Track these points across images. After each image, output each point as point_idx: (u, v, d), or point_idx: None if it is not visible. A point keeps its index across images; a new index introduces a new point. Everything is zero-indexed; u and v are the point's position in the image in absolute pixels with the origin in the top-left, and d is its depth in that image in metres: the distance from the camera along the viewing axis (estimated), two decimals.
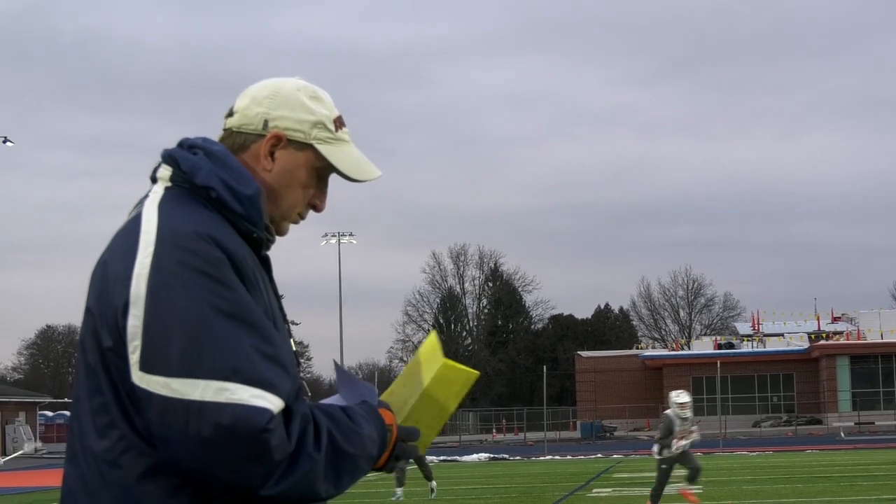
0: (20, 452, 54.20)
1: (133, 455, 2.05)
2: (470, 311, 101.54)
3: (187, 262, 2.04)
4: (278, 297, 2.27)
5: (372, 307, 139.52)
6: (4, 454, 59.48)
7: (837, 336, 74.61)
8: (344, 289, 75.95)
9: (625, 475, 28.44)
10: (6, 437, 66.28)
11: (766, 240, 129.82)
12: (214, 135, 2.32)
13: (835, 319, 79.92)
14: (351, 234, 73.80)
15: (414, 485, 24.23)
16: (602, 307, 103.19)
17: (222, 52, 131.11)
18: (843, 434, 57.42)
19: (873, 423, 63.84)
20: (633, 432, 71.75)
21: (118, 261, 2.10)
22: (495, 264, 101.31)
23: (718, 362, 59.38)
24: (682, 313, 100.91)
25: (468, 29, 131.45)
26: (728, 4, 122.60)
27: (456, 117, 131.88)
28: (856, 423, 63.01)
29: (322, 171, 2.32)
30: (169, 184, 2.21)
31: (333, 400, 2.31)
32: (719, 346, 76.56)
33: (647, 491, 20.87)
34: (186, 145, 2.26)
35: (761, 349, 75.73)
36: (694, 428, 17.27)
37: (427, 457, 36.28)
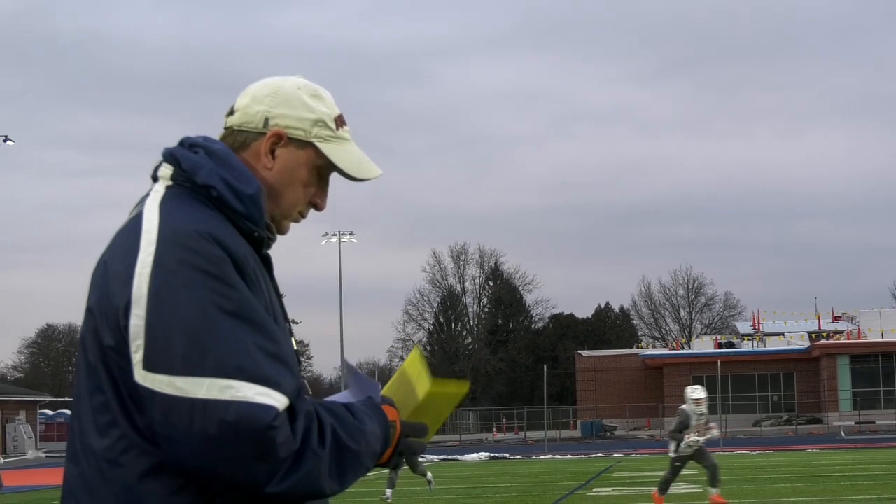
0: (22, 457, 54.14)
1: (134, 454, 2.05)
2: (470, 310, 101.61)
3: (189, 261, 2.04)
4: (279, 296, 2.27)
5: (372, 306, 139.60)
6: (5, 453, 59.47)
7: (838, 335, 74.59)
8: (344, 288, 75.94)
9: (625, 474, 28.45)
10: (6, 436, 66.32)
11: (767, 239, 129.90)
12: (215, 134, 2.32)
13: (835, 319, 79.85)
14: (351, 234, 73.74)
15: (414, 484, 24.23)
16: (602, 306, 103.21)
17: (222, 51, 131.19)
18: (843, 433, 57.44)
19: (874, 422, 63.83)
20: (634, 431, 71.74)
21: (119, 260, 2.10)
22: (496, 263, 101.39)
23: (719, 361, 59.39)
24: (682, 312, 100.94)
25: (468, 28, 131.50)
26: (728, 4, 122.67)
27: (456, 117, 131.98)
28: (856, 423, 63.02)
29: (323, 169, 2.32)
30: (170, 183, 2.21)
31: (341, 396, 2.31)
32: (720, 346, 76.55)
33: (647, 490, 20.89)
34: (187, 144, 2.26)
35: (762, 348, 75.71)
36: (712, 425, 17.32)
37: (427, 456, 36.26)
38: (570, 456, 44.91)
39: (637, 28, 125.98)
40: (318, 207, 2.36)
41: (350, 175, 2.33)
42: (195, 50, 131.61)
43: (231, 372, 1.98)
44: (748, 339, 78.62)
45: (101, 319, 2.09)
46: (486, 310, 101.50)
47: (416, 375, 2.32)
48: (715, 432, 17.24)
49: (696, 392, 17.08)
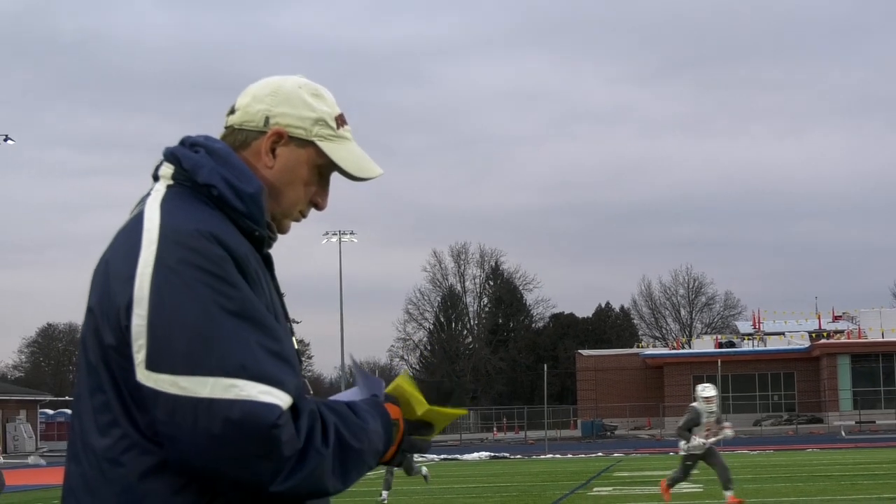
0: (24, 461, 54.11)
1: (135, 453, 2.05)
2: (471, 309, 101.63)
3: (190, 260, 2.04)
4: (280, 295, 2.27)
5: (373, 306, 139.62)
6: (5, 452, 59.46)
7: (838, 335, 74.60)
8: (345, 287, 75.96)
9: (625, 474, 28.44)
10: (7, 435, 66.35)
11: (767, 239, 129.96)
12: (215, 133, 2.32)
13: (835, 318, 79.86)
14: (352, 233, 73.81)
15: (414, 483, 24.23)
16: (603, 306, 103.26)
17: (222, 51, 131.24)
18: (843, 433, 57.42)
19: (874, 421, 63.84)
20: (634, 431, 71.75)
21: (120, 260, 2.10)
22: (496, 263, 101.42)
23: (719, 361, 59.47)
24: (682, 312, 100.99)
25: (468, 28, 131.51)
26: (728, 4, 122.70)
27: (456, 116, 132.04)
28: (856, 422, 63.04)
29: (323, 168, 2.32)
30: (171, 182, 2.21)
31: (347, 393, 2.31)
32: (720, 345, 76.57)
33: (647, 490, 20.90)
34: (188, 143, 2.26)
35: (762, 348, 75.73)
36: (727, 424, 17.21)
37: (427, 456, 36.23)
38: (570, 455, 44.91)
39: (637, 28, 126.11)
40: (319, 207, 2.36)
41: (351, 174, 2.33)
42: (195, 50, 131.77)
43: (234, 371, 1.98)
44: (748, 339, 78.65)
45: (103, 319, 2.09)
46: (487, 309, 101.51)
47: (411, 394, 2.30)
48: (729, 432, 17.01)
49: (707, 390, 17.01)
